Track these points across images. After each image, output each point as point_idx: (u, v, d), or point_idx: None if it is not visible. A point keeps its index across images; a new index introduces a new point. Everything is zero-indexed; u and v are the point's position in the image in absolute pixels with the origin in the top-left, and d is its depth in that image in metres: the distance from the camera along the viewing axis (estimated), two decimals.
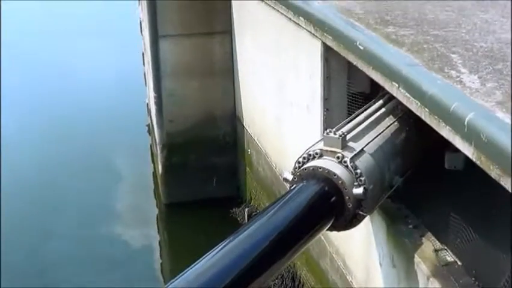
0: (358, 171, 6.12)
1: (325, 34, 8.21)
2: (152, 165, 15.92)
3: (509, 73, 6.06)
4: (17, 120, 19.46)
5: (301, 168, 6.26)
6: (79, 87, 21.51)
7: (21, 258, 13.04)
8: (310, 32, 8.72)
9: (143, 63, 16.49)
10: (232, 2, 12.76)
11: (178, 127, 13.56)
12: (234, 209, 13.36)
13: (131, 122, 18.53)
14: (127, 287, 11.88)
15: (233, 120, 13.57)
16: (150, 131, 16.51)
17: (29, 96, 21.38)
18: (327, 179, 6.04)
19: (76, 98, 20.59)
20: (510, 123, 4.94)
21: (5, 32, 27.25)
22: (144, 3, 13.50)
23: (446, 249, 6.33)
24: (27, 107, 20.45)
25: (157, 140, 14.04)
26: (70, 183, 15.69)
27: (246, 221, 12.57)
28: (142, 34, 15.93)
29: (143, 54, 16.34)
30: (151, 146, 16.49)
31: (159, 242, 13.95)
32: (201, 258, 4.87)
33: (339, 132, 6.35)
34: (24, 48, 26.19)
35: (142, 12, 14.97)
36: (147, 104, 16.52)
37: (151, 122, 15.57)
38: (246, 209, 13.02)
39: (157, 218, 14.63)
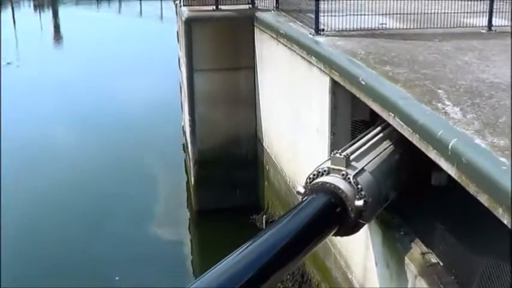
0: (359, 186, 6.15)
1: (333, 71, 8.26)
2: (186, 177, 15.94)
3: (485, 106, 6.09)
4: (76, 139, 19.62)
5: (312, 183, 6.30)
6: (128, 114, 21.63)
7: (75, 247, 13.10)
8: (321, 69, 8.76)
9: (180, 93, 16.56)
10: (255, 43, 12.80)
11: (208, 146, 13.57)
12: (253, 216, 13.31)
13: (170, 141, 18.58)
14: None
15: (254, 141, 13.56)
16: (185, 149, 16.55)
17: (87, 120, 21.50)
18: (333, 192, 6.08)
19: (124, 122, 20.72)
20: (487, 148, 4.97)
21: (66, 73, 27.60)
22: (183, 44, 13.58)
23: (431, 253, 6.32)
24: (85, 129, 20.58)
25: (190, 156, 14.07)
26: (117, 190, 15.77)
27: (264, 226, 12.55)
28: (180, 69, 16.01)
29: (180, 85, 16.41)
30: (185, 161, 16.53)
31: (190, 241, 13.95)
32: (225, 258, 4.91)
33: (344, 153, 6.38)
34: (83, 84, 26.40)
35: (180, 51, 15.05)
36: (183, 127, 16.58)
37: (186, 141, 15.60)
38: (264, 216, 12.98)
39: (189, 222, 14.63)
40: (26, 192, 15.52)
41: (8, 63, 29.94)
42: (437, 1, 10.48)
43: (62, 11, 57.50)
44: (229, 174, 13.67)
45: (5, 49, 33.82)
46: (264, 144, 13.09)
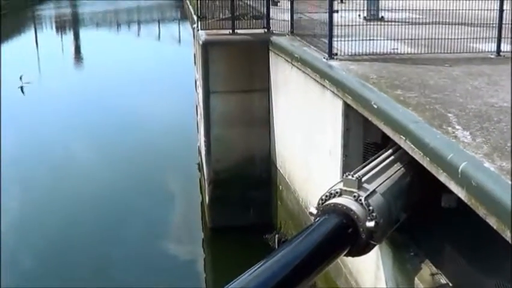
0: (371, 207, 6.14)
1: (346, 94, 8.28)
2: (200, 196, 15.96)
3: (494, 130, 6.08)
4: (93, 156, 19.74)
5: (324, 204, 6.29)
6: (145, 134, 21.75)
7: (90, 260, 13.17)
8: (334, 92, 8.79)
9: (196, 114, 16.63)
10: (270, 66, 12.85)
11: (222, 166, 13.59)
12: (266, 235, 13.28)
13: (185, 160, 18.65)
14: None
15: (268, 161, 13.57)
16: (200, 168, 16.59)
17: (103, 137, 21.65)
18: (345, 213, 6.08)
19: (141, 142, 20.83)
20: (496, 172, 4.96)
21: (85, 93, 27.77)
22: (199, 67, 13.66)
23: (440, 274, 6.29)
24: (101, 147, 20.70)
25: (205, 176, 14.10)
26: (132, 207, 15.83)
27: (276, 245, 12.53)
28: (196, 91, 16.09)
29: (196, 106, 16.48)
30: (200, 180, 16.55)
31: (204, 259, 13.94)
32: (238, 277, 4.90)
33: (356, 175, 6.39)
34: (102, 103, 26.60)
35: (197, 73, 15.14)
36: (198, 147, 16.63)
37: (201, 161, 15.64)
38: (277, 235, 12.95)
39: (202, 240, 14.62)
40: (40, 206, 15.65)
41: (28, 83, 30.19)
42: (447, 26, 10.50)
43: (83, 33, 58.00)
44: (243, 194, 13.67)
45: (27, 69, 34.19)
46: (277, 165, 13.10)
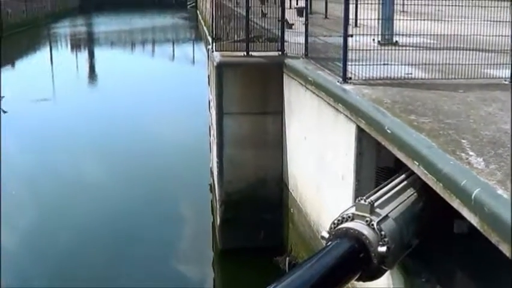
0: (383, 233, 6.15)
1: (359, 118, 8.31)
2: (211, 217, 15.98)
3: (509, 157, 6.09)
4: (103, 175, 19.83)
5: (336, 228, 6.31)
6: (156, 153, 21.86)
7: (97, 281, 13.19)
8: (347, 116, 8.82)
9: (209, 134, 16.69)
10: (284, 88, 12.91)
11: (234, 187, 13.60)
12: (277, 258, 13.26)
13: (197, 181, 18.69)
14: None
15: (280, 184, 13.58)
16: (212, 189, 16.62)
17: (114, 156, 21.77)
18: (357, 238, 6.09)
19: (152, 160, 20.92)
20: (509, 199, 4.96)
21: (98, 110, 27.92)
22: (213, 88, 13.75)
23: None
24: (112, 166, 20.83)
25: (217, 197, 14.12)
26: (141, 226, 15.87)
27: (287, 268, 12.50)
28: (209, 111, 16.17)
29: (209, 127, 16.55)
30: (211, 201, 16.58)
31: (213, 280, 13.92)
32: None
33: (369, 200, 6.40)
34: (114, 122, 26.79)
35: (210, 94, 15.23)
36: (210, 168, 16.67)
37: (213, 182, 15.67)
38: (287, 258, 12.93)
39: (212, 260, 14.62)
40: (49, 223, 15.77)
41: (45, 100, 30.52)
42: (461, 52, 10.53)
43: (98, 52, 58.47)
44: (254, 216, 13.66)
45: (42, 86, 34.59)
46: (289, 188, 13.11)
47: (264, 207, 13.66)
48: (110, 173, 20.10)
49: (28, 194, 18.21)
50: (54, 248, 14.74)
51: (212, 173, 16.12)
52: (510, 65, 10.11)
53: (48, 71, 44.54)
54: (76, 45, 64.06)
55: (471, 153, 6.23)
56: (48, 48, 62.38)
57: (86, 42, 67.64)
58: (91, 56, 55.99)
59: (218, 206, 14.09)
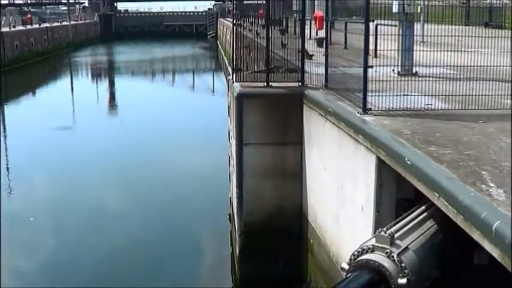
0: (403, 264, 6.16)
1: (379, 150, 8.35)
2: (230, 247, 15.99)
3: None
4: (122, 204, 19.94)
5: (356, 259, 6.33)
6: (176, 182, 22.01)
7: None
8: (367, 147, 8.86)
9: (229, 164, 16.77)
10: (304, 119, 12.97)
11: (254, 217, 13.60)
12: None
13: (216, 211, 18.75)
14: None
15: (299, 214, 13.56)
16: (231, 219, 16.66)
17: (133, 185, 21.93)
18: (377, 270, 6.10)
19: (171, 190, 21.07)
20: None
21: (118, 139, 28.16)
22: (233, 118, 13.85)
23: None
24: (130, 195, 20.96)
25: (236, 227, 14.14)
26: (160, 257, 15.90)
27: None
28: (229, 141, 16.27)
29: (229, 157, 16.64)
30: (230, 231, 16.61)
31: None
32: None
33: (389, 231, 6.42)
34: (133, 150, 27.00)
35: (230, 124, 15.33)
36: (230, 198, 16.73)
37: (232, 212, 15.70)
38: None
39: None
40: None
41: (65, 128, 30.91)
42: (480, 82, 10.56)
43: (118, 80, 59.10)
44: (273, 246, 13.63)
45: (63, 115, 35.02)
46: (308, 218, 13.11)
47: (284, 238, 13.64)
48: (129, 203, 20.21)
49: (48, 222, 18.34)
50: (73, 276, 14.85)
51: (231, 203, 16.17)
52: None
53: (69, 99, 45.09)
54: (96, 74, 64.90)
55: (491, 184, 6.24)
56: (69, 77, 63.17)
57: (107, 71, 68.51)
58: (112, 84, 56.64)
59: (237, 236, 14.11)
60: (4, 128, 34.03)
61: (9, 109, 41.40)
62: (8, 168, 24.53)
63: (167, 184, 21.92)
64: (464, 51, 10.70)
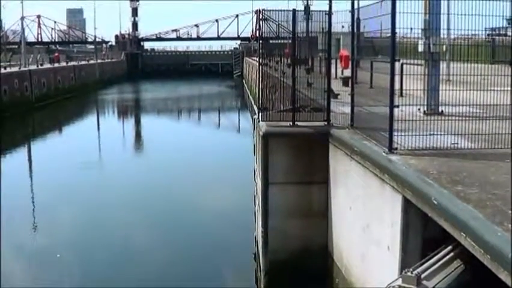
0: None
1: (405, 189, 8.38)
2: (256, 286, 15.95)
3: None
4: (147, 242, 20.05)
5: None
6: (201, 221, 22.11)
7: None
8: (393, 187, 8.88)
9: (254, 204, 16.82)
10: (329, 158, 13.03)
11: (279, 257, 13.59)
12: None
13: (241, 250, 18.75)
14: None
15: (325, 253, 13.52)
16: (256, 258, 16.64)
17: (159, 222, 22.05)
18: None
19: (196, 229, 21.15)
20: None
21: (144, 177, 28.37)
22: (259, 157, 13.94)
23: None
24: (156, 232, 21.06)
25: (262, 266, 14.13)
26: None
27: None
28: (255, 181, 16.34)
29: (254, 196, 16.70)
30: (255, 270, 16.58)
31: None
32: None
33: (415, 272, 6.43)
34: (159, 188, 27.20)
35: (256, 164, 15.42)
36: (255, 237, 16.74)
37: (257, 251, 15.70)
38: None
39: None
40: None
41: (90, 166, 31.30)
42: (507, 121, 10.55)
43: (144, 119, 59.67)
44: (299, 286, 13.60)
45: (89, 151, 35.49)
46: (334, 257, 13.08)
47: (309, 277, 13.61)
48: (155, 240, 20.28)
49: (75, 261, 18.48)
50: None
51: (256, 242, 16.17)
52: None
53: (95, 137, 45.61)
54: (122, 112, 65.65)
55: None
56: (95, 114, 63.96)
57: (133, 109, 69.23)
58: (137, 122, 57.23)
59: (262, 276, 14.09)
60: (30, 165, 34.56)
61: (36, 146, 42.00)
62: (33, 202, 24.89)
63: (192, 222, 22.00)
64: (490, 90, 10.73)
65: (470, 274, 7.18)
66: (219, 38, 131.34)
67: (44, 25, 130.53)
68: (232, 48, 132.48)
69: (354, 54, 13.06)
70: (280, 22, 14.22)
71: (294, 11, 13.94)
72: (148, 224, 22.03)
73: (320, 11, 13.79)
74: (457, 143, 10.47)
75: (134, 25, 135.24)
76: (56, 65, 79.02)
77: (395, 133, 10.09)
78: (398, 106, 10.16)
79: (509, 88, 10.52)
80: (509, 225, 6.20)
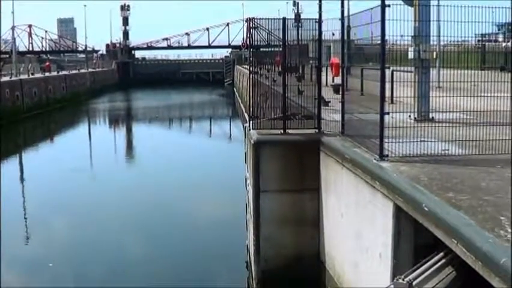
0: None
1: (396, 196, 8.37)
2: None
3: None
4: (138, 251, 19.96)
5: None
6: (192, 229, 22.07)
7: None
8: (384, 194, 8.87)
9: (246, 212, 16.79)
10: (321, 166, 13.02)
11: (271, 265, 13.55)
12: None
13: (232, 258, 18.70)
14: None
15: (317, 261, 13.51)
16: (248, 267, 16.59)
17: (149, 232, 21.99)
18: None
19: (187, 237, 21.10)
20: None
21: (136, 185, 28.33)
22: (250, 165, 13.92)
23: None
24: (147, 242, 21.00)
25: (254, 275, 14.09)
26: None
27: None
28: (246, 189, 16.31)
29: (246, 204, 16.66)
30: (247, 279, 16.53)
31: None
32: None
33: (407, 279, 6.43)
34: (150, 198, 27.17)
35: (247, 172, 15.40)
36: (247, 245, 16.70)
37: (249, 259, 15.66)
38: None
39: None
40: None
41: (82, 173, 31.36)
42: (497, 127, 10.58)
43: (135, 127, 59.61)
44: None
45: (80, 160, 35.43)
46: (326, 265, 13.06)
47: (301, 285, 13.56)
48: (146, 249, 20.16)
49: (65, 267, 18.38)
50: None
51: (248, 250, 16.13)
52: None
53: (87, 146, 45.50)
54: (114, 121, 65.56)
55: (510, 230, 6.24)
56: (87, 123, 63.87)
57: (125, 118, 69.16)
58: (129, 131, 57.16)
59: (254, 284, 14.05)
60: (22, 173, 34.47)
61: (27, 155, 41.88)
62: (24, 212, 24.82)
63: (184, 230, 21.95)
64: (481, 96, 10.75)
65: (462, 280, 7.16)
66: (209, 47, 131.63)
67: (35, 34, 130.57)
68: (223, 57, 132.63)
69: (345, 62, 13.07)
70: (270, 30, 14.22)
71: (284, 19, 13.95)
72: (140, 232, 21.93)
73: (310, 19, 13.82)
74: (448, 150, 10.48)
75: (125, 34, 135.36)
76: (47, 74, 78.83)
77: (386, 140, 10.09)
78: (388, 113, 10.17)
79: (499, 94, 10.55)
80: (501, 231, 6.20)
